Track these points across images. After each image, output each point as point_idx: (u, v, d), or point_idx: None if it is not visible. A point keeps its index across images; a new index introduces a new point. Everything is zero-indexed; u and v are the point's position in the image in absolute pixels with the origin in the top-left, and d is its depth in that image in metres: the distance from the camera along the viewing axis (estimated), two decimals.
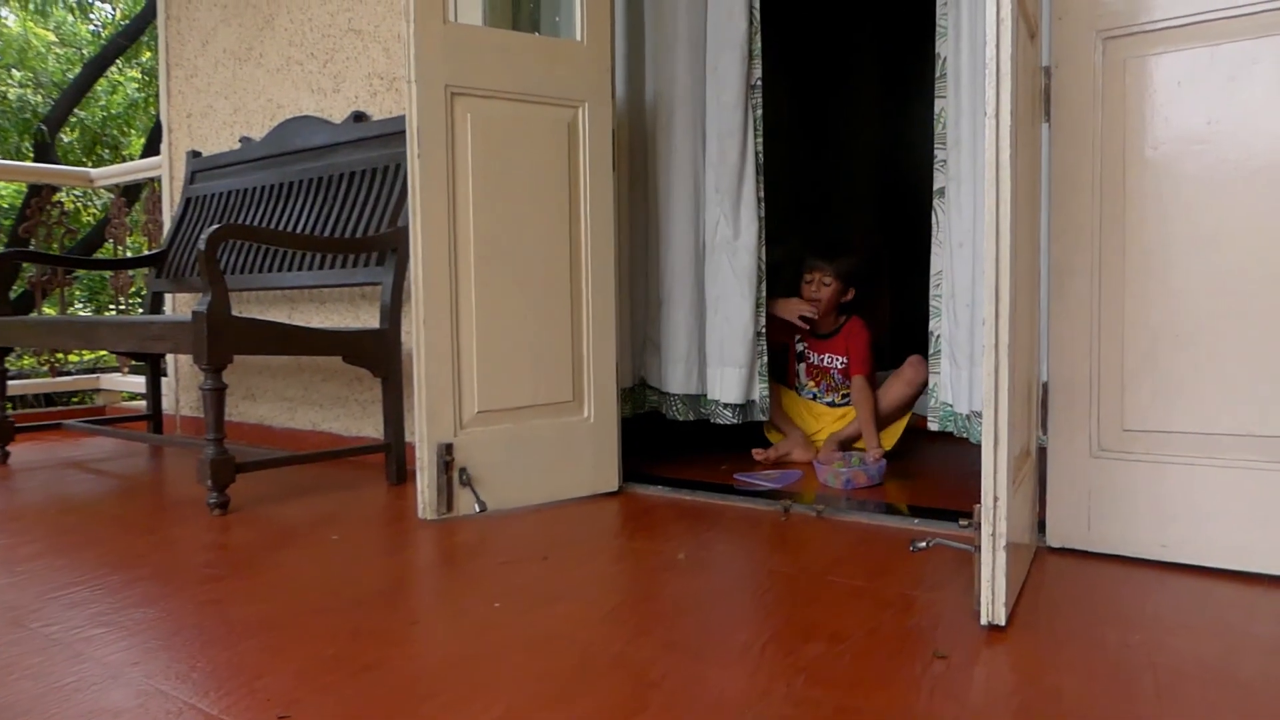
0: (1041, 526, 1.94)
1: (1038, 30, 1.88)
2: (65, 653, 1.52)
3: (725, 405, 2.74)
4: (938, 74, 2.40)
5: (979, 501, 1.48)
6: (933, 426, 2.40)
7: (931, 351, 2.42)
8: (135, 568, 1.99)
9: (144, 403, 3.70)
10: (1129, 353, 1.85)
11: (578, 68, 2.45)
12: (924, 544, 1.64)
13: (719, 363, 2.74)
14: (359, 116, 3.12)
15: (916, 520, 2.15)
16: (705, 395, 2.81)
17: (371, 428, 3.18)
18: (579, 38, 2.47)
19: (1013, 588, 1.51)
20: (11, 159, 8.79)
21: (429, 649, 1.50)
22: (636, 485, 2.61)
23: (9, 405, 3.30)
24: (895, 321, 4.98)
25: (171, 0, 3.88)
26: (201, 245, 2.37)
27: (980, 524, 1.48)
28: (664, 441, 3.15)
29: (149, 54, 9.71)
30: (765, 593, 1.76)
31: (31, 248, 4.47)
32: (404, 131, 2.88)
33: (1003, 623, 1.47)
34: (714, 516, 2.35)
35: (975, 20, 2.30)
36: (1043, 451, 1.95)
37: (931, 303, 2.41)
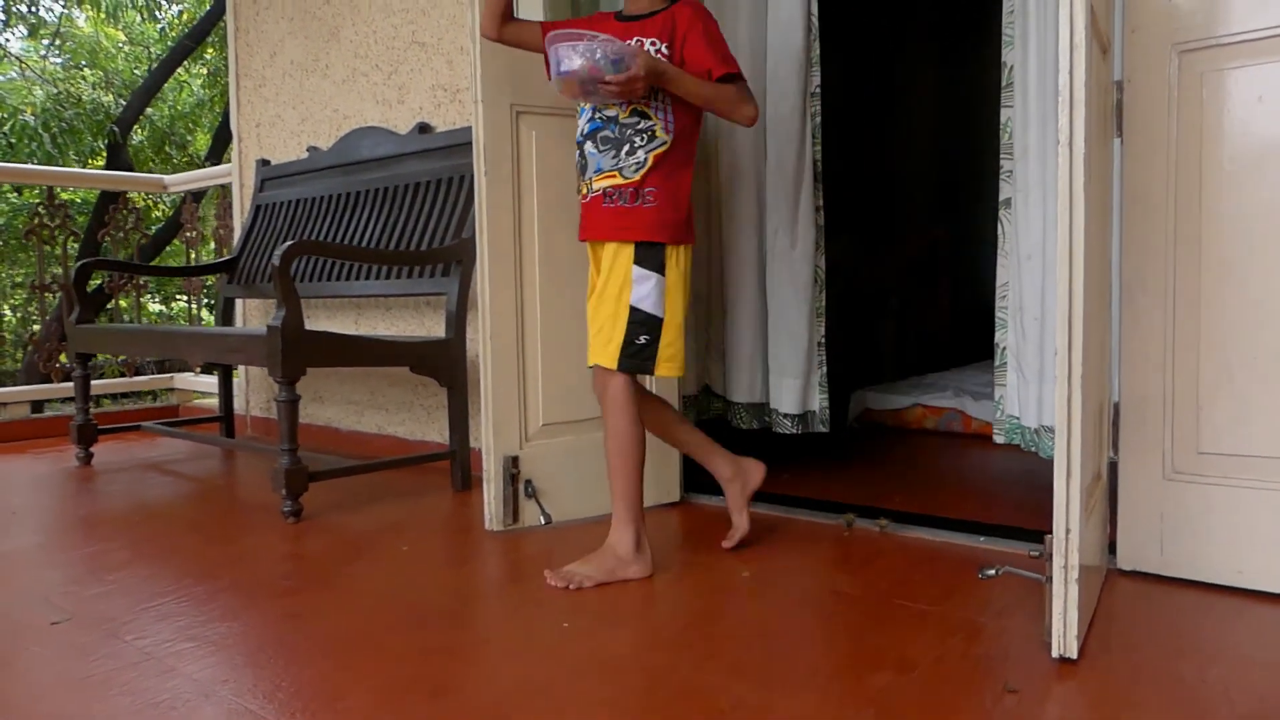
0: (1111, 547, 1.92)
1: (1110, 45, 1.84)
2: (157, 668, 1.58)
3: (785, 415, 2.74)
4: (1003, 83, 2.36)
5: (1048, 528, 1.47)
6: (999, 439, 2.38)
7: (997, 363, 2.39)
8: (216, 578, 2.06)
9: (216, 401, 3.81)
10: (1204, 372, 1.82)
11: None
12: (992, 571, 1.63)
13: (780, 373, 2.74)
14: (423, 128, 3.17)
15: (982, 538, 2.14)
16: (767, 404, 2.82)
17: (436, 432, 3.24)
18: None
19: (1084, 618, 1.50)
20: (86, 158, 9.07)
21: (502, 670, 1.53)
22: (698, 495, 2.63)
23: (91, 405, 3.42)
24: (955, 317, 4.94)
25: (241, 13, 3.97)
26: (276, 262, 2.44)
27: (1051, 555, 1.47)
28: (728, 448, 3.16)
29: (212, 51, 9.92)
30: (831, 615, 1.77)
31: (106, 247, 4.62)
32: (468, 143, 2.92)
33: (1074, 655, 1.46)
34: (776, 529, 2.36)
35: (1043, 29, 2.26)
36: (1113, 467, 1.93)
37: (997, 314, 2.39)
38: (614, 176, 1.96)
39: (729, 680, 1.47)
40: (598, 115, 1.97)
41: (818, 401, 2.71)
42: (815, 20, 2.62)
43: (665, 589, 1.97)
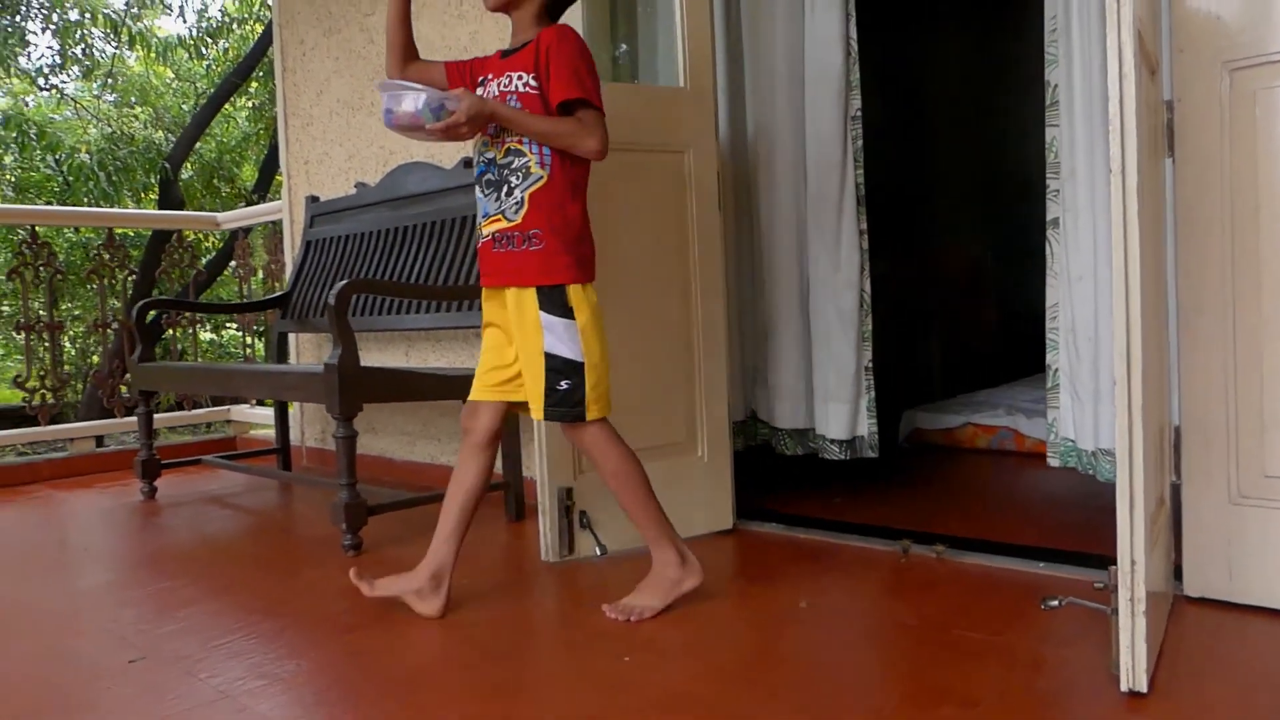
0: (1177, 573, 1.89)
1: (1158, 66, 1.83)
2: (232, 706, 1.63)
3: (832, 441, 2.74)
4: (1048, 102, 2.35)
5: (1109, 553, 1.46)
6: (1053, 462, 2.36)
7: (1050, 385, 2.37)
8: (281, 614, 2.11)
9: (272, 433, 3.89)
10: (1269, 394, 1.79)
11: (682, 114, 2.49)
12: (1055, 602, 1.62)
13: (825, 398, 2.74)
14: (468, 162, 3.23)
15: (1042, 564, 2.11)
16: (813, 430, 2.82)
17: None
18: (682, 83, 2.51)
19: (1152, 649, 1.48)
20: (139, 194, 9.33)
21: (568, 709, 1.55)
22: (750, 522, 2.63)
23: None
24: (1003, 332, 4.88)
25: (288, 54, 4.07)
26: (331, 301, 2.49)
27: (1116, 586, 1.45)
28: (776, 474, 3.16)
29: (256, 85, 10.16)
30: (891, 648, 1.77)
31: (162, 282, 4.75)
32: None
33: (1144, 689, 1.44)
34: (830, 556, 2.35)
35: (1087, 47, 2.25)
36: (1175, 491, 1.90)
37: (1048, 335, 2.37)
38: (499, 220, 1.91)
39: (793, 717, 1.47)
40: (481, 159, 1.94)
41: (866, 426, 2.71)
42: (854, 43, 2.63)
43: (723, 620, 1.97)
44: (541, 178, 1.87)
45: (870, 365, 2.70)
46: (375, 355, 3.66)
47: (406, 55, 2.01)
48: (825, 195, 2.67)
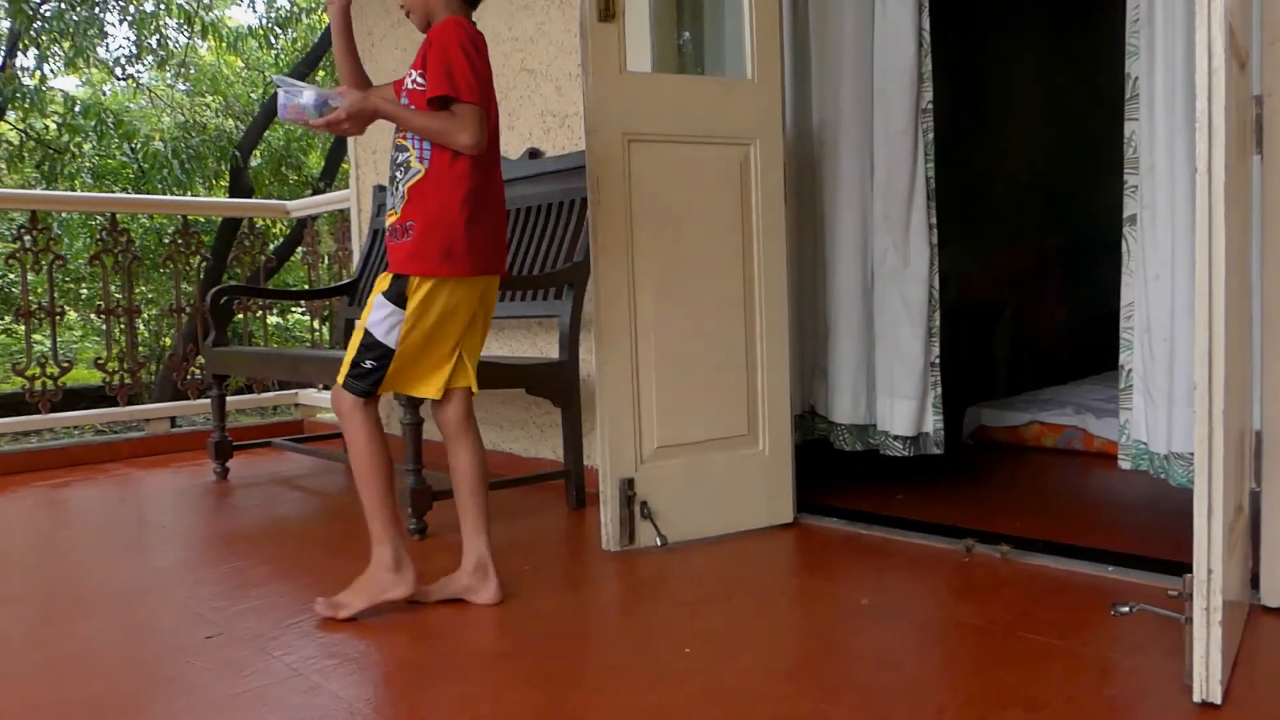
0: (1254, 581, 1.84)
1: (1248, 59, 1.77)
2: (304, 684, 1.68)
3: (895, 437, 2.71)
4: (1128, 95, 2.29)
5: (1181, 558, 1.43)
6: (1124, 465, 2.31)
7: (1122, 386, 2.32)
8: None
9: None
10: None
11: (748, 106, 2.48)
12: (1126, 609, 1.59)
13: (889, 394, 2.71)
14: (534, 153, 3.26)
15: (1111, 568, 2.07)
16: (874, 426, 2.79)
17: (549, 450, 3.32)
18: (749, 75, 2.49)
19: (1227, 659, 1.45)
20: (211, 182, 9.58)
21: (629, 699, 1.57)
22: (810, 517, 2.62)
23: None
24: (1071, 328, 4.78)
25: (357, 45, 4.13)
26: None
27: (1191, 595, 1.43)
28: (835, 468, 3.14)
29: (323, 74, 10.33)
30: (954, 648, 1.75)
31: (233, 268, 4.87)
32: (577, 168, 2.99)
33: (1218, 700, 1.41)
34: (892, 554, 2.34)
35: (1170, 38, 2.19)
36: (1255, 498, 1.85)
37: (1122, 335, 2.31)
38: (392, 214, 1.95)
39: (854, 716, 1.47)
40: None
41: (931, 423, 2.68)
42: (927, 34, 2.59)
43: (783, 615, 1.98)
44: (420, 172, 1.90)
45: (937, 361, 2.66)
46: None
47: (359, 81, 2.04)
48: (894, 189, 2.64)
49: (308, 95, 1.86)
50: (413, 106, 1.91)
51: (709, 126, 2.44)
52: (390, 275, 1.93)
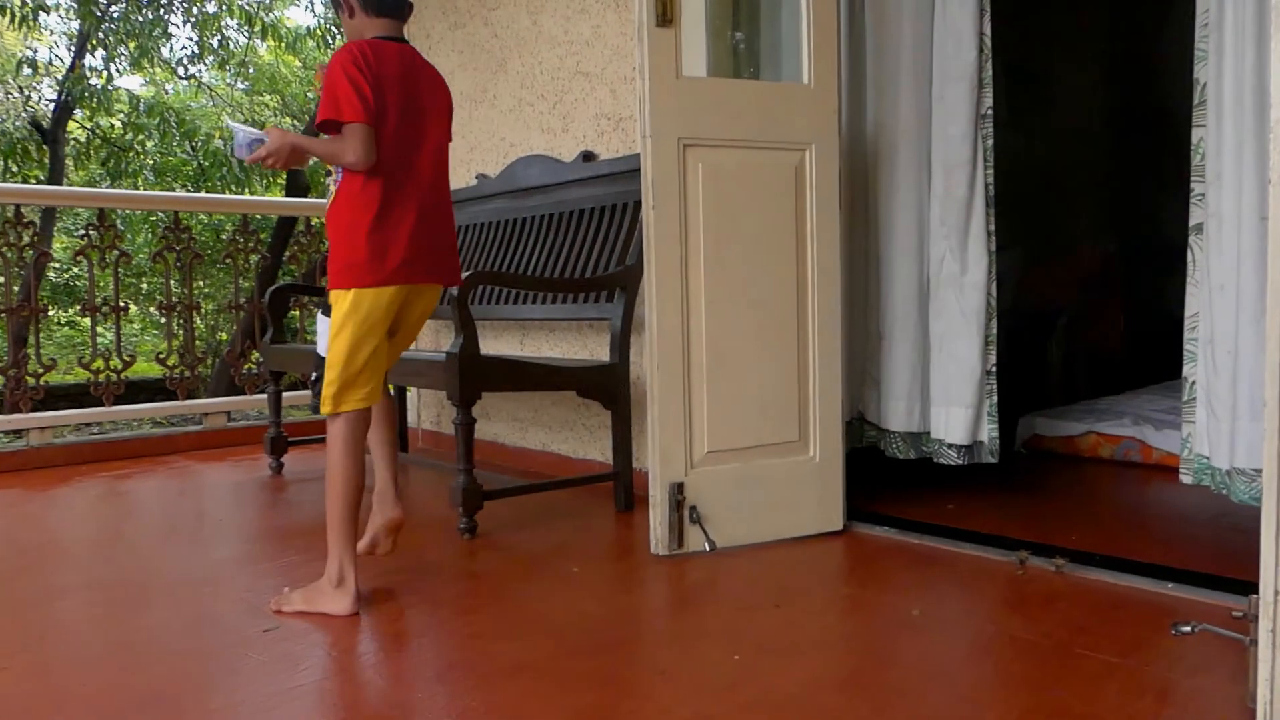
0: None
1: None
2: (359, 679, 1.72)
3: (950, 445, 2.68)
4: (1195, 101, 2.24)
5: (1245, 576, 1.40)
6: (1186, 479, 2.26)
7: (1185, 398, 2.27)
8: (403, 594, 2.20)
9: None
10: None
11: (804, 111, 2.47)
12: (1188, 629, 1.56)
13: (944, 402, 2.68)
14: (588, 156, 3.27)
15: (1171, 585, 2.03)
16: (928, 434, 2.76)
17: (597, 451, 3.33)
18: (805, 80, 2.48)
19: None
20: (268, 180, 9.77)
21: (679, 704, 1.57)
22: (860, 524, 2.60)
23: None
24: (1130, 337, 4.69)
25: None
26: (454, 292, 2.57)
27: (1257, 616, 1.39)
28: (883, 476, 3.12)
29: None
30: (1009, 662, 1.73)
31: (289, 266, 4.96)
32: (631, 171, 3.01)
33: None
34: (944, 564, 2.31)
35: (1240, 43, 2.13)
36: None
37: (1186, 346, 2.26)
38: None
39: None
40: None
41: (987, 432, 2.64)
42: (988, 39, 2.56)
43: (834, 624, 1.97)
44: (332, 193, 2.06)
45: (994, 369, 2.63)
46: (491, 343, 3.75)
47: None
48: (953, 194, 2.61)
49: (240, 136, 2.06)
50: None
51: (764, 131, 2.43)
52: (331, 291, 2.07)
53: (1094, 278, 4.63)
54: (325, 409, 2.04)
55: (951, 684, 1.66)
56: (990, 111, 2.59)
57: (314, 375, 2.06)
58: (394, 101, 2.02)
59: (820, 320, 2.50)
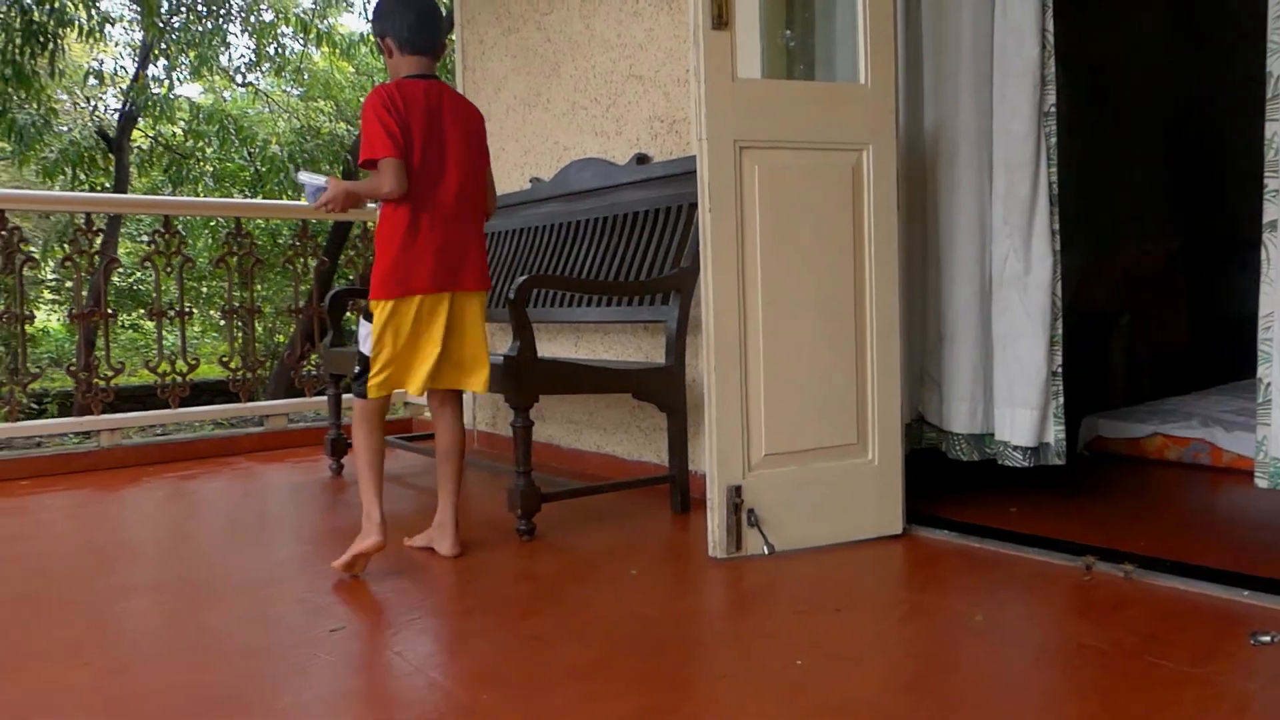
0: None
1: None
2: (424, 680, 1.73)
3: (1015, 447, 2.64)
4: (1269, 94, 2.18)
5: None
6: (1261, 484, 2.19)
7: (1260, 400, 2.20)
8: (463, 595, 2.23)
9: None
10: None
11: (861, 111, 2.45)
12: (1266, 638, 1.51)
13: (1008, 403, 2.64)
14: (641, 158, 3.28)
15: (1246, 592, 1.97)
16: (991, 435, 2.72)
17: (652, 453, 3.34)
18: (862, 79, 2.46)
19: None
20: None
21: (741, 708, 1.57)
22: (919, 528, 2.57)
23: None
24: (1196, 336, 4.57)
25: (468, 54, 4.24)
26: (512, 295, 2.59)
27: None
28: (940, 478, 3.08)
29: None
30: (1077, 671, 1.70)
31: (344, 269, 5.03)
32: (685, 173, 3.00)
33: None
34: (1006, 569, 2.28)
35: None
36: None
37: (1260, 347, 2.20)
38: None
39: None
40: None
41: (1053, 433, 2.59)
42: (1051, 35, 2.51)
43: (895, 629, 1.95)
44: (375, 220, 2.43)
45: (1060, 370, 2.58)
46: (545, 346, 3.77)
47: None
48: (1015, 194, 2.57)
49: (309, 188, 2.39)
50: None
51: (821, 132, 2.41)
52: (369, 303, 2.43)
53: (1157, 275, 4.52)
54: (371, 394, 2.39)
55: (1019, 691, 1.63)
56: (1054, 109, 2.54)
57: (356, 369, 2.44)
58: (419, 135, 2.33)
59: (879, 322, 2.48)
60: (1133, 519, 2.67)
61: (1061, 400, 2.60)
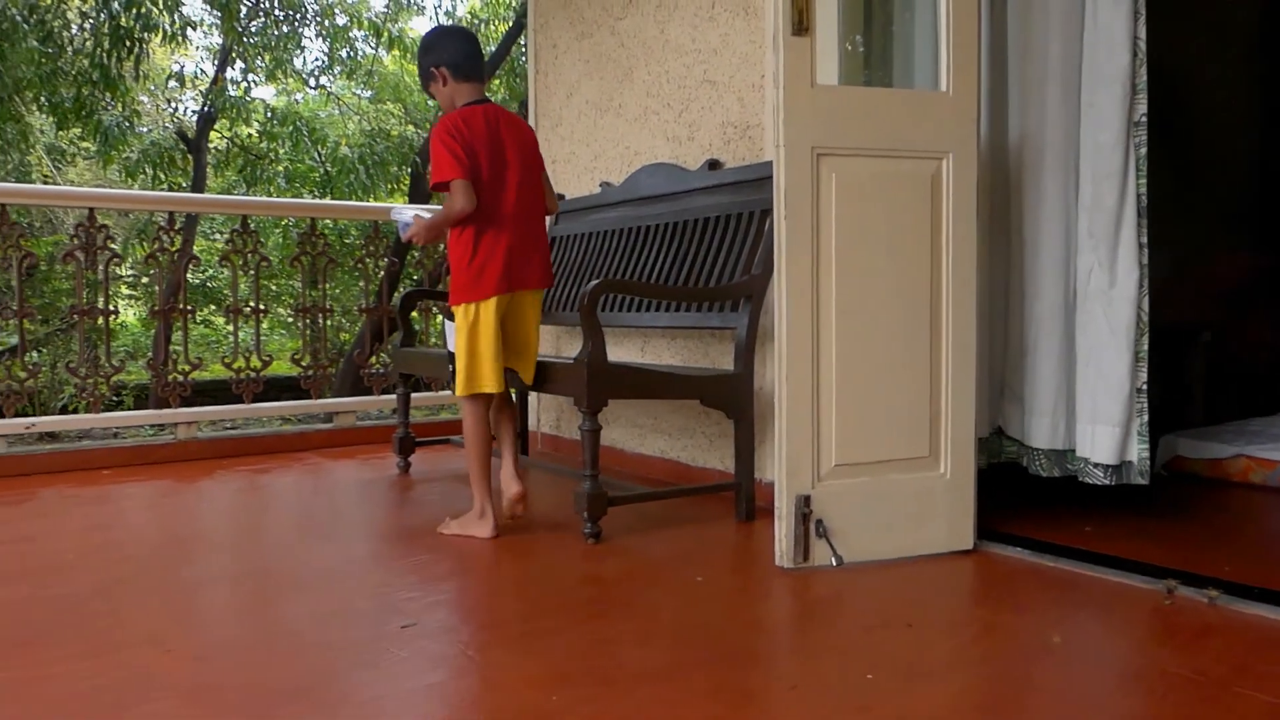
0: None
1: None
2: (496, 680, 1.75)
3: (1096, 465, 2.57)
4: None
5: None
6: None
7: None
8: (532, 596, 2.24)
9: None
10: None
11: (942, 119, 2.41)
12: None
13: (1090, 419, 2.58)
14: (713, 164, 3.27)
15: None
16: (1073, 451, 2.66)
17: (716, 460, 3.33)
18: (944, 87, 2.42)
19: None
20: (392, 187, 10.11)
21: None
22: (991, 544, 2.52)
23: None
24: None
25: (541, 58, 4.28)
26: (584, 300, 2.61)
27: None
28: (1012, 493, 3.02)
29: (497, 82, 10.72)
30: (1160, 699, 1.64)
31: (408, 270, 5.10)
32: (757, 179, 3.00)
33: None
34: (1083, 590, 2.22)
35: None
36: None
37: None
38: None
39: None
40: None
41: (1136, 452, 2.52)
42: (1143, 42, 2.45)
43: (968, 647, 1.91)
44: (447, 237, 2.74)
45: (1144, 386, 2.51)
46: (612, 350, 3.77)
47: None
48: (1102, 204, 2.51)
49: (401, 224, 2.76)
50: None
51: (900, 140, 2.38)
52: (451, 308, 2.73)
53: (1243, 290, 4.37)
54: (460, 392, 2.70)
55: (1097, 714, 1.59)
56: (1144, 118, 2.48)
57: (450, 368, 2.74)
58: (484, 155, 2.60)
59: (955, 333, 2.44)
60: (1216, 543, 2.59)
61: (1146, 418, 2.52)
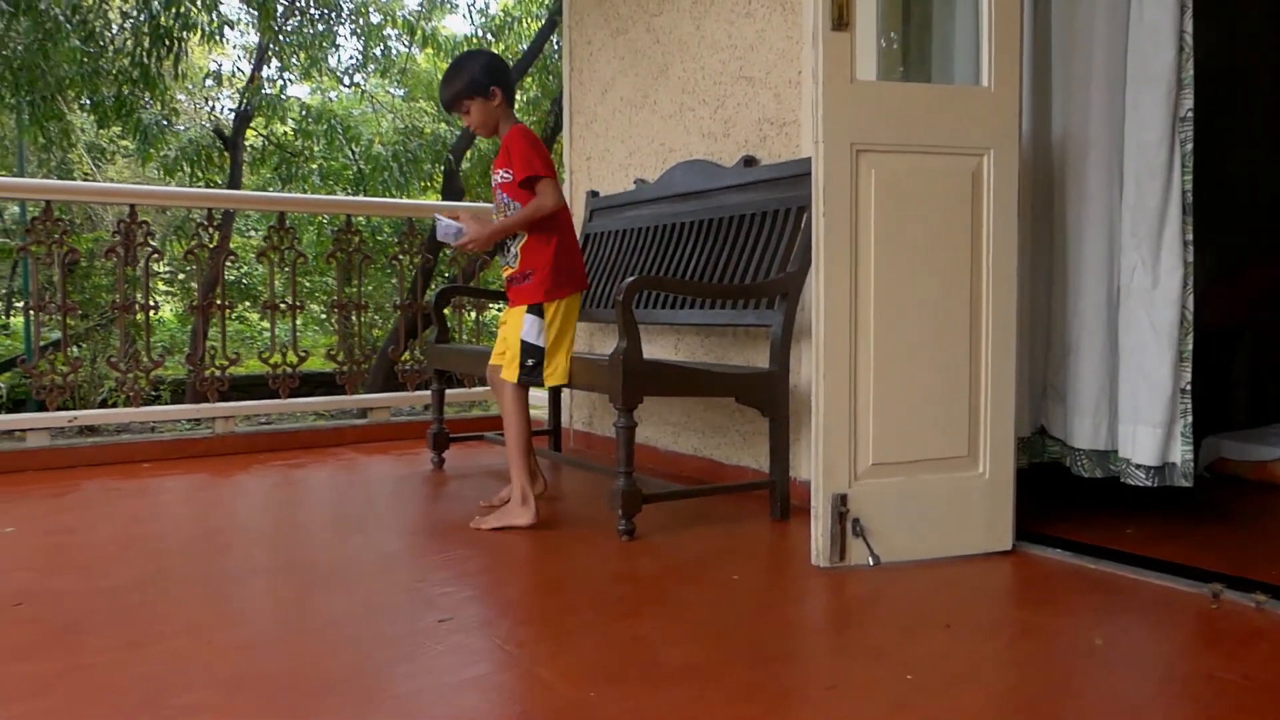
0: None
1: None
2: (531, 676, 1.75)
3: (1138, 466, 2.53)
4: None
5: None
6: None
7: None
8: (567, 592, 2.25)
9: (544, 413, 4.13)
10: None
11: (983, 115, 2.38)
12: None
13: (1132, 420, 2.54)
14: (749, 161, 3.26)
15: None
16: (1115, 452, 2.62)
17: (750, 458, 3.31)
18: (985, 83, 2.39)
19: None
20: (425, 184, 10.16)
21: None
22: (1030, 545, 2.49)
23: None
24: None
25: (575, 55, 4.28)
26: (619, 296, 2.61)
27: None
28: (1056, 493, 2.98)
29: (529, 80, 10.75)
30: (1207, 705, 1.61)
31: (440, 268, 5.12)
32: (793, 176, 2.98)
33: None
34: (1126, 593, 2.18)
35: None
36: None
37: None
38: (507, 269, 2.86)
39: None
40: None
41: (1179, 453, 2.48)
42: (1189, 37, 2.41)
43: (1008, 649, 1.89)
44: (524, 236, 2.79)
45: (1188, 387, 2.47)
46: (645, 347, 3.76)
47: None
48: (1146, 203, 2.46)
49: (445, 229, 2.79)
50: (505, 196, 2.80)
51: (940, 136, 2.36)
52: (529, 305, 2.77)
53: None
54: (551, 382, 2.80)
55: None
56: (1190, 114, 2.43)
57: (529, 362, 2.79)
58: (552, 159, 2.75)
59: (995, 332, 2.41)
60: (1262, 546, 2.54)
61: (1190, 419, 2.48)
